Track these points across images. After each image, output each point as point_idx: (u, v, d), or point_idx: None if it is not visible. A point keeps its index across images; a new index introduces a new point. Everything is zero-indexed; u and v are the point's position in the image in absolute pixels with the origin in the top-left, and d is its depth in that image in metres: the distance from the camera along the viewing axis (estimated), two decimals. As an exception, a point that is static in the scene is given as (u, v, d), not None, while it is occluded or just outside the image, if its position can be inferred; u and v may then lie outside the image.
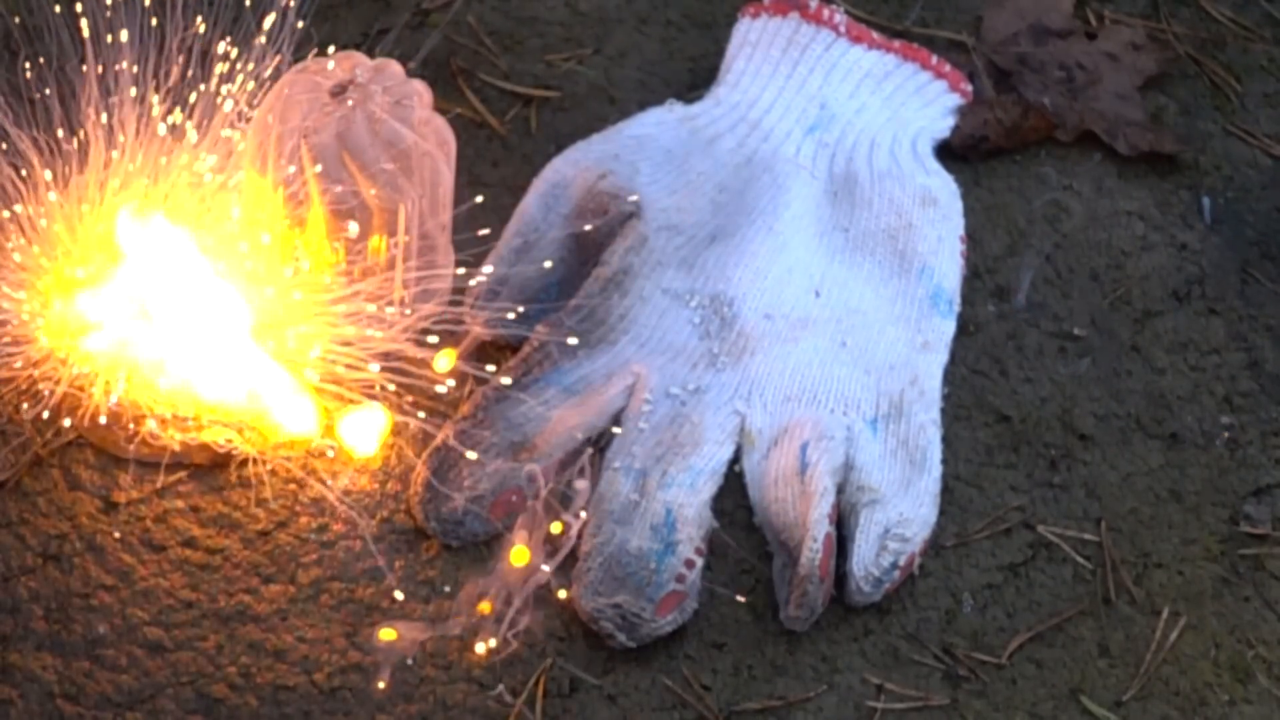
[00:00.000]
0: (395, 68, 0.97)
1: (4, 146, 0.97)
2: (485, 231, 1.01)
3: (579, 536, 0.93)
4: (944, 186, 1.09)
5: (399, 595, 0.92)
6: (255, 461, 0.96)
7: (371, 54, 0.97)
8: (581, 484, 0.94)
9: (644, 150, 1.08)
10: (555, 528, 0.93)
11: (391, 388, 0.95)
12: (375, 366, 0.95)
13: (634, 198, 1.03)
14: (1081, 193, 1.12)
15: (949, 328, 1.04)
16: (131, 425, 0.96)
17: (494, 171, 1.09)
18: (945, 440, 1.00)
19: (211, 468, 0.96)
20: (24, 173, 0.97)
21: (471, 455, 0.94)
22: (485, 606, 0.92)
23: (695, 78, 1.15)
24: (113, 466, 0.96)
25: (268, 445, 0.96)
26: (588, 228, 1.02)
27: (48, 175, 0.97)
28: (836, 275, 1.05)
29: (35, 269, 0.97)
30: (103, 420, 0.95)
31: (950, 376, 1.03)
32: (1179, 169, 1.13)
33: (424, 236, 0.97)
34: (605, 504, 0.94)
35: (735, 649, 0.93)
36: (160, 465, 0.95)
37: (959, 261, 1.06)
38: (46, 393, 0.95)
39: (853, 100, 1.12)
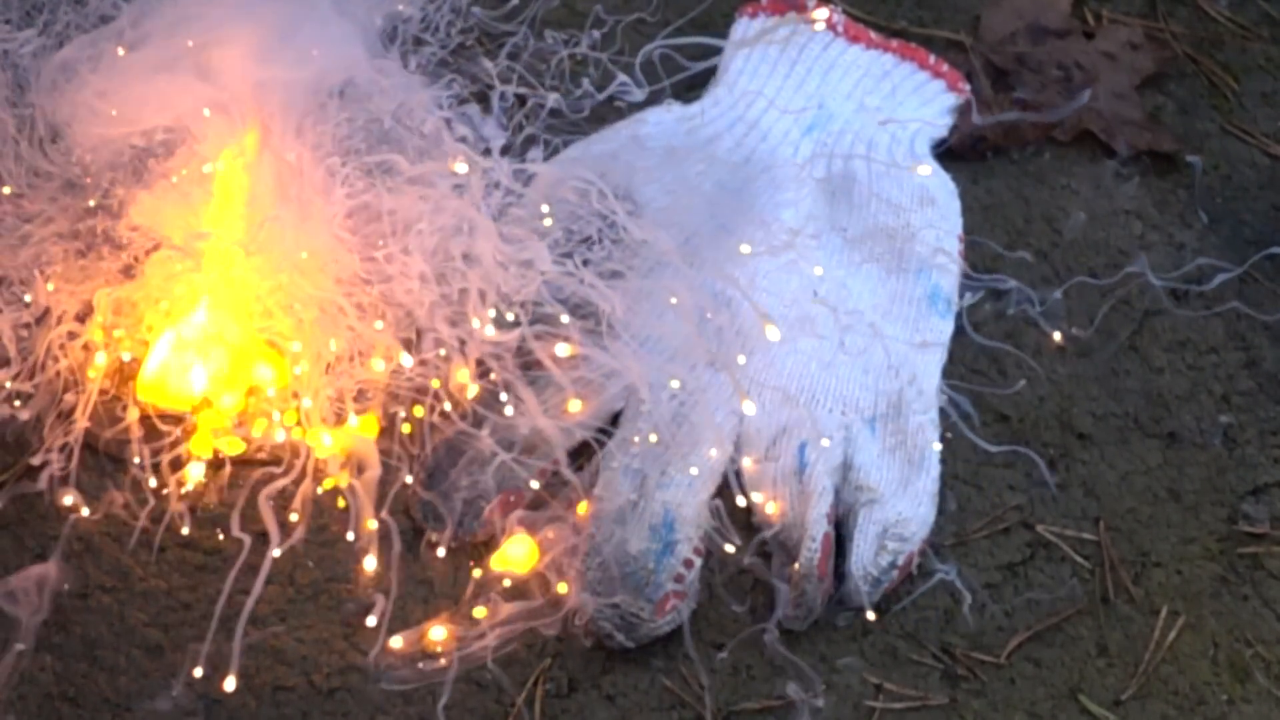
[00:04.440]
0: (394, 68, 0.97)
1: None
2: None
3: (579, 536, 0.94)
4: (942, 186, 1.09)
5: (395, 595, 0.93)
6: (255, 463, 0.96)
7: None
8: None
9: (642, 150, 1.07)
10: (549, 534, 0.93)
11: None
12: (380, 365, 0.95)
13: (632, 197, 1.03)
14: (1079, 192, 1.11)
15: (947, 327, 1.04)
16: (139, 426, 0.96)
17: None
18: (943, 439, 1.00)
19: (216, 468, 0.96)
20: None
21: (471, 455, 0.95)
22: (482, 610, 0.92)
23: (694, 78, 1.14)
24: (112, 467, 0.96)
25: (269, 446, 0.96)
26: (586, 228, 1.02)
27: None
28: (835, 275, 1.05)
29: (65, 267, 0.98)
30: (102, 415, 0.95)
31: (949, 376, 1.03)
32: (1177, 168, 1.13)
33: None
34: (604, 504, 0.94)
35: (735, 649, 0.93)
36: (164, 466, 0.95)
37: (957, 261, 1.06)
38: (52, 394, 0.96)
39: (850, 100, 1.12)
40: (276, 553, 0.91)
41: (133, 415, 0.95)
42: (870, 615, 0.93)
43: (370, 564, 0.93)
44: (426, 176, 0.96)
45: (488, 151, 1.03)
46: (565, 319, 0.96)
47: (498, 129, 1.05)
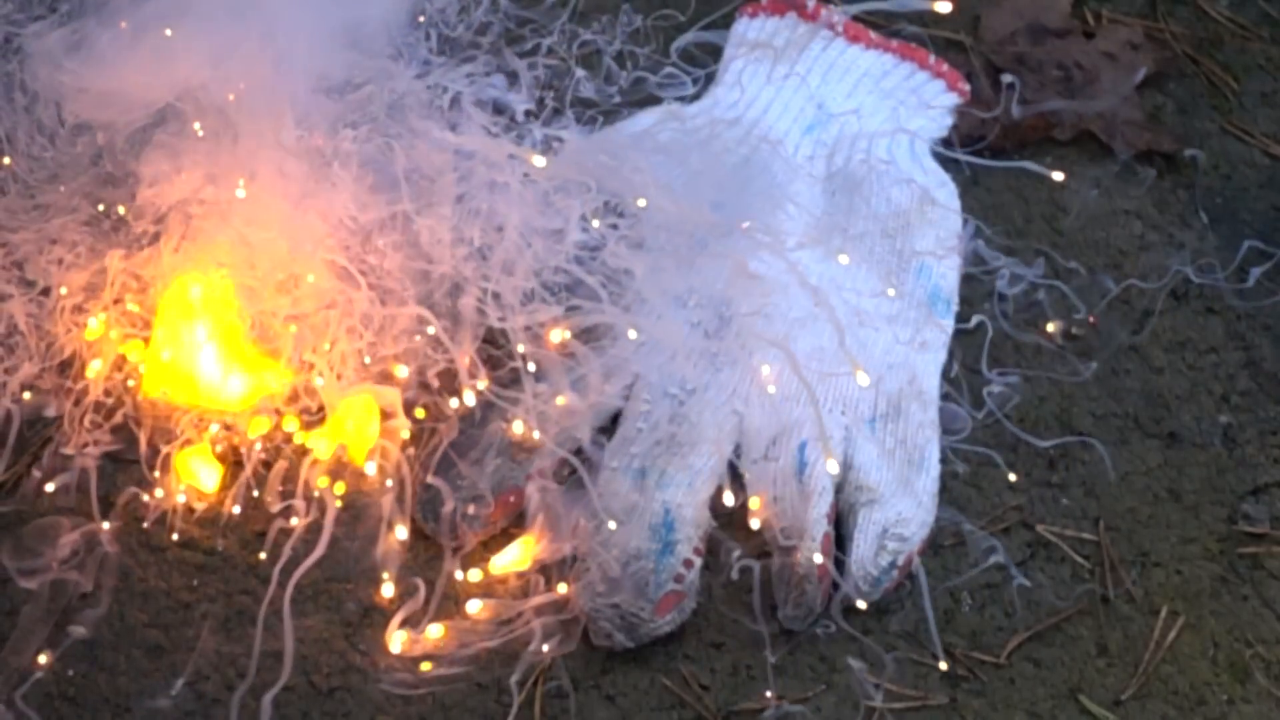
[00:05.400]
0: (419, 41, 0.97)
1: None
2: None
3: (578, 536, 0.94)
4: (942, 186, 1.09)
5: (391, 593, 0.92)
6: (255, 461, 0.96)
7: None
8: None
9: (642, 150, 1.07)
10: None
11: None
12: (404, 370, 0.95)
13: (632, 198, 1.03)
14: (1079, 192, 1.12)
15: (947, 327, 1.04)
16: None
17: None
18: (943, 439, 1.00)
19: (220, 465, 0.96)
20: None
21: (474, 455, 0.95)
22: (484, 608, 0.92)
23: (694, 78, 1.14)
24: (112, 468, 0.96)
25: (271, 444, 0.96)
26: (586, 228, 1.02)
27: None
28: (834, 275, 1.05)
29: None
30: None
31: (948, 376, 1.03)
32: (1177, 168, 1.13)
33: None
34: (604, 504, 0.94)
35: (734, 649, 0.93)
36: (167, 464, 0.95)
37: (957, 261, 1.06)
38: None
39: (850, 100, 1.12)
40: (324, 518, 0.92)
41: (135, 407, 0.96)
42: (939, 661, 0.93)
43: (401, 533, 0.92)
44: (454, 144, 0.96)
45: (513, 120, 1.03)
46: (599, 290, 0.96)
47: (524, 98, 1.05)
